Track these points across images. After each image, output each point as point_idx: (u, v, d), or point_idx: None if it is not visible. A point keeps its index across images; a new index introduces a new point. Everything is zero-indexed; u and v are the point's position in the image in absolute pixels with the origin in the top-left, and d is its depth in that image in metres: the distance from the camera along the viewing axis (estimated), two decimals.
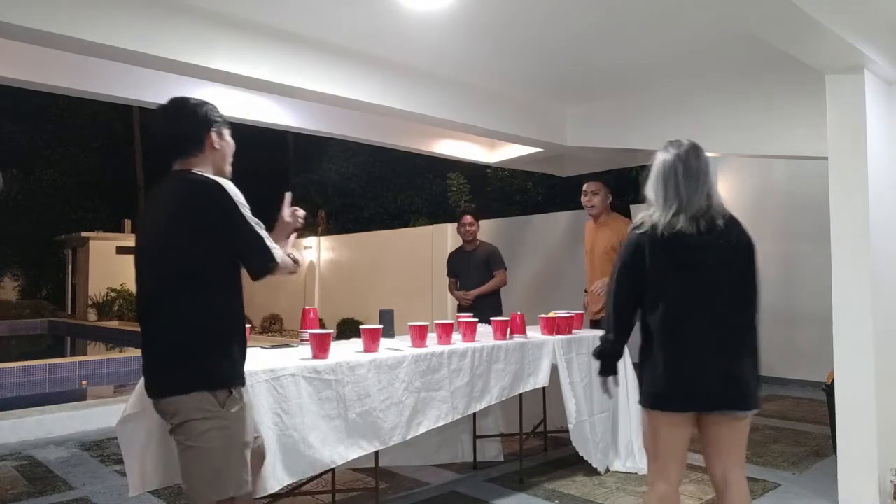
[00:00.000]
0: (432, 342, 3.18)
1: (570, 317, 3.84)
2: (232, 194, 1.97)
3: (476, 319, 3.42)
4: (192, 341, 1.95)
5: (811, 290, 6.58)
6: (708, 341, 2.09)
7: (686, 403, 2.12)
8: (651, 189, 2.22)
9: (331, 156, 16.32)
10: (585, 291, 4.73)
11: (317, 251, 13.07)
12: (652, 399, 2.16)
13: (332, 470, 2.84)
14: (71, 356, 10.81)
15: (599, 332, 3.93)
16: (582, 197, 4.63)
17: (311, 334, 2.74)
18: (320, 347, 2.68)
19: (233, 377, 2.00)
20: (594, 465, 3.69)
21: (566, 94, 5.32)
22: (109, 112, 19.29)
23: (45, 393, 6.84)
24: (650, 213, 2.19)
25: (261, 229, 2.01)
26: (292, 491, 2.99)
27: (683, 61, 4.45)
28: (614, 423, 3.89)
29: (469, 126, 5.10)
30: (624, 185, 11.38)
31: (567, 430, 3.65)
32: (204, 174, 2.01)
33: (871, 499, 3.11)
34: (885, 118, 3.41)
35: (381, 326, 3.01)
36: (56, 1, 3.11)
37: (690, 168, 2.16)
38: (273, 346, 3.13)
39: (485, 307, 4.96)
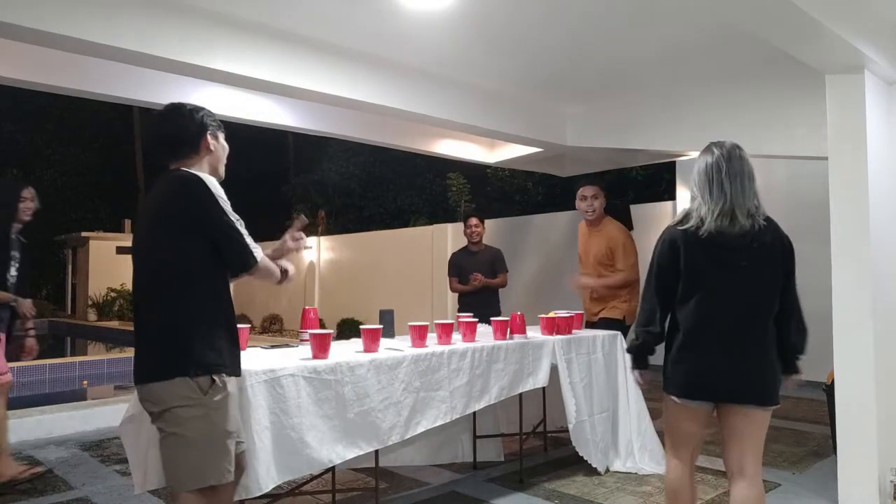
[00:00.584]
0: (432, 342, 3.18)
1: (570, 317, 3.84)
2: (212, 189, 2.02)
3: (476, 319, 3.42)
4: (176, 331, 2.00)
5: (811, 290, 6.54)
6: (733, 339, 2.18)
7: (707, 395, 2.23)
8: (695, 187, 2.26)
9: (331, 156, 16.33)
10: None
11: (317, 251, 13.08)
12: (674, 388, 2.26)
13: (332, 470, 2.85)
14: (71, 356, 10.80)
15: (600, 333, 3.96)
16: (579, 202, 4.38)
17: (311, 334, 2.74)
18: (320, 347, 2.68)
19: (216, 365, 2.01)
20: (594, 466, 3.69)
21: (566, 94, 5.32)
22: (109, 112, 19.30)
23: (46, 393, 6.85)
24: (695, 207, 2.23)
25: (240, 226, 2.06)
26: (292, 491, 3.00)
27: (684, 61, 4.45)
28: (614, 423, 3.89)
29: (469, 126, 5.10)
30: (624, 184, 11.45)
31: (567, 430, 3.65)
32: (189, 171, 2.07)
33: (870, 499, 3.11)
34: (885, 118, 3.41)
35: (380, 326, 3.01)
36: (56, 1, 3.11)
37: (734, 168, 2.20)
38: (273, 346, 3.13)
39: (484, 306, 5.00)
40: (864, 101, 3.18)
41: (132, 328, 2.12)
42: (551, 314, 3.77)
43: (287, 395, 2.43)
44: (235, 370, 2.12)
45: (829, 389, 3.68)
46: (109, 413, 4.91)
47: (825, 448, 4.28)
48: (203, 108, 2.21)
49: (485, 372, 3.21)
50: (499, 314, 4.53)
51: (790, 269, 2.25)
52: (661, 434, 3.28)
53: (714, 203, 2.18)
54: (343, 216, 16.15)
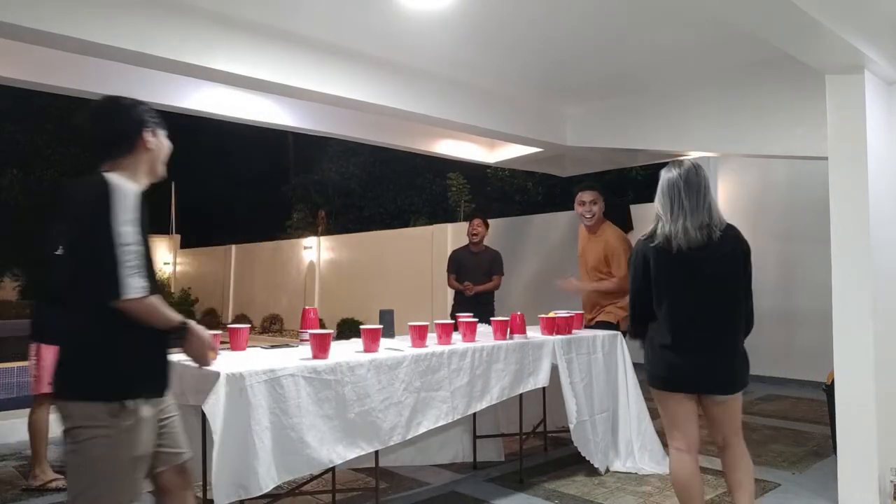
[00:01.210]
0: (432, 342, 3.18)
1: (570, 317, 3.84)
2: (115, 199, 1.80)
3: (476, 319, 3.42)
4: (77, 353, 1.88)
5: (811, 290, 6.58)
6: (700, 337, 2.46)
7: (686, 389, 2.51)
8: (658, 205, 2.55)
9: (331, 156, 16.31)
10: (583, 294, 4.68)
11: (317, 251, 13.08)
12: (655, 380, 2.56)
13: (333, 470, 2.85)
14: None
15: (600, 332, 3.98)
16: (578, 206, 4.35)
17: (311, 334, 2.74)
18: (320, 347, 2.68)
19: (125, 390, 1.86)
20: (595, 465, 3.69)
21: (566, 93, 5.32)
22: None
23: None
24: (660, 225, 2.52)
25: (129, 254, 1.78)
26: (292, 491, 3.00)
27: (683, 61, 4.45)
28: (614, 423, 3.89)
29: (469, 126, 5.10)
30: (624, 184, 11.44)
31: (567, 430, 3.65)
32: (108, 176, 1.87)
33: (870, 499, 3.11)
34: (885, 118, 3.41)
35: (380, 326, 3.01)
36: (56, 1, 3.11)
37: (691, 185, 2.47)
38: (273, 346, 3.13)
39: (479, 306, 5.10)
40: (864, 102, 3.18)
41: None
42: (551, 314, 3.77)
43: (287, 395, 2.43)
44: (154, 392, 1.94)
45: (829, 389, 3.69)
46: None
47: (825, 448, 4.28)
48: (143, 103, 2.04)
49: (485, 372, 3.21)
50: (493, 313, 4.57)
51: (749, 271, 2.52)
52: (661, 434, 3.28)
53: (675, 219, 2.45)
54: (343, 216, 16.15)
